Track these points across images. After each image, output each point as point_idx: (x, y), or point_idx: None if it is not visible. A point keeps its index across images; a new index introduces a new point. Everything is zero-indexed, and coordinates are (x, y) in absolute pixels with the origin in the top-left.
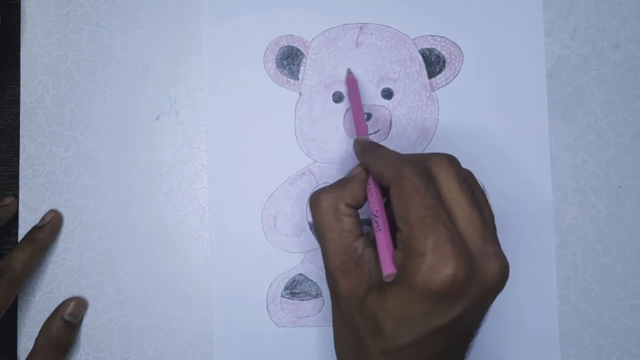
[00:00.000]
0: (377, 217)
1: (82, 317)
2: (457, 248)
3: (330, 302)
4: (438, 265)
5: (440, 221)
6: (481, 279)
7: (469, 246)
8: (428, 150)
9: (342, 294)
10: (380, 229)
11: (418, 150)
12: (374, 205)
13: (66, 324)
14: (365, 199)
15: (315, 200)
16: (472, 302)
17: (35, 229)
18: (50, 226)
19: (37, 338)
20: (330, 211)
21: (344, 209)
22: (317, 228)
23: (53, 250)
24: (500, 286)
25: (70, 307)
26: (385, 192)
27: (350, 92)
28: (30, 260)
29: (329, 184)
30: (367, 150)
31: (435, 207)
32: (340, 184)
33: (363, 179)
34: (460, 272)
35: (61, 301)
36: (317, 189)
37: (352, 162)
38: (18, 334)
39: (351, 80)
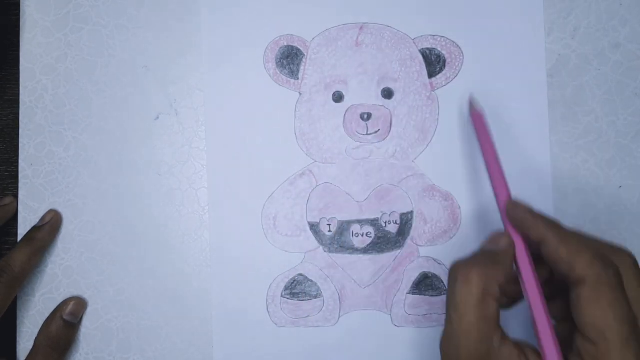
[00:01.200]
0: (538, 305)
1: (82, 316)
2: None
3: (329, 303)
4: None
5: (638, 340)
6: None
7: None
8: (427, 151)
9: None
10: (544, 329)
11: (418, 150)
12: (533, 289)
13: (66, 323)
14: (513, 273)
15: (463, 275)
16: None
17: (34, 229)
18: (50, 226)
19: (36, 338)
20: (481, 290)
21: (495, 291)
22: (455, 305)
23: (53, 250)
24: None
25: (70, 307)
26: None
27: (480, 134)
28: (29, 260)
29: (473, 255)
30: (538, 224)
31: (634, 321)
32: (491, 259)
33: (513, 254)
34: None
35: (60, 301)
36: (460, 260)
37: (352, 162)
38: (18, 333)
39: (477, 117)
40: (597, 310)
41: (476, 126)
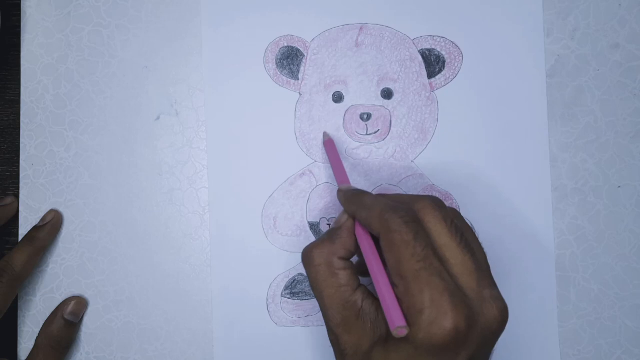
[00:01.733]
0: (373, 266)
1: (83, 316)
2: (455, 299)
3: None
4: (438, 320)
5: (434, 272)
6: (482, 325)
7: (466, 293)
8: (427, 151)
9: (346, 351)
10: (379, 280)
11: (417, 150)
12: (368, 255)
13: (66, 323)
14: (357, 246)
15: (307, 258)
16: (475, 349)
17: (35, 229)
18: (51, 226)
19: (37, 337)
20: (325, 267)
21: (338, 263)
22: (313, 285)
23: (54, 250)
24: (501, 330)
25: (71, 307)
26: (375, 239)
27: (328, 149)
28: (30, 259)
29: (317, 239)
30: (351, 199)
31: (428, 258)
32: (330, 237)
33: (351, 226)
34: (461, 323)
35: (61, 301)
36: (308, 245)
37: (352, 162)
38: (19, 333)
39: (329, 143)
40: (390, 255)
41: (327, 147)
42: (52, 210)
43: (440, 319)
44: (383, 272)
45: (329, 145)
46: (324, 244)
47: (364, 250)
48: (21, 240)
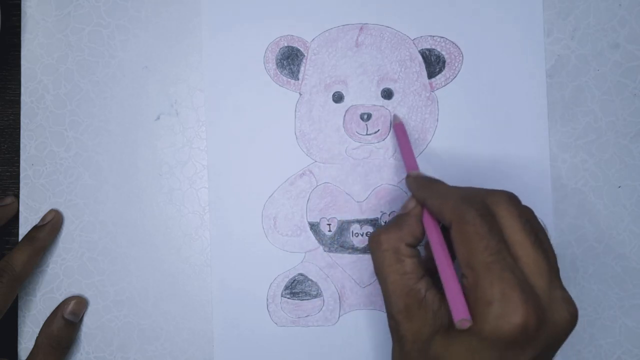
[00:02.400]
0: (440, 255)
1: (83, 315)
2: (526, 295)
3: (329, 303)
4: (507, 314)
5: (506, 267)
6: (550, 325)
7: (537, 292)
8: (427, 151)
9: (406, 337)
10: (446, 270)
11: (417, 150)
12: (436, 243)
13: (67, 322)
14: (424, 233)
15: (375, 242)
16: (541, 349)
17: (35, 229)
18: (51, 226)
19: (37, 337)
20: (392, 253)
21: (405, 250)
22: (378, 270)
23: (54, 250)
24: (568, 333)
25: (71, 306)
26: (444, 228)
27: (398, 133)
28: (30, 259)
29: (385, 225)
30: (423, 186)
31: (501, 252)
32: (398, 223)
33: (419, 213)
34: (531, 320)
35: (61, 301)
36: (376, 230)
37: (352, 162)
38: (19, 333)
39: (399, 126)
40: (461, 246)
41: (397, 129)
42: (52, 210)
43: (510, 313)
44: (450, 262)
45: (399, 129)
46: (391, 230)
47: (431, 238)
48: (21, 240)
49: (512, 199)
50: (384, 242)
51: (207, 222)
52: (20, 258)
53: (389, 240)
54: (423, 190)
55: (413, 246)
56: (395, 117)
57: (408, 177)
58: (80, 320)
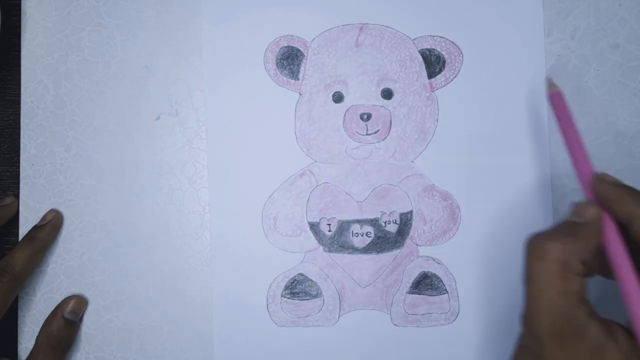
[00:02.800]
0: (628, 283)
1: (83, 315)
2: None
3: (329, 303)
4: None
5: None
6: None
7: None
8: (427, 151)
9: None
10: (632, 301)
11: (417, 150)
12: (623, 267)
13: (66, 322)
14: (600, 249)
15: (538, 250)
16: None
17: (35, 229)
18: (51, 226)
19: (37, 337)
20: (559, 266)
21: (577, 267)
22: (531, 281)
23: (54, 250)
24: None
25: (71, 305)
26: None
27: (558, 111)
28: (30, 259)
29: (552, 228)
30: (615, 193)
31: None
32: (572, 231)
33: (600, 227)
34: None
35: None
36: (537, 233)
37: (352, 162)
38: (19, 333)
39: (557, 96)
40: None
41: (555, 105)
42: (52, 210)
43: None
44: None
45: (557, 100)
46: (563, 238)
47: (615, 259)
48: (21, 240)
49: None
50: (553, 252)
51: (207, 222)
52: (20, 258)
53: (558, 251)
54: (628, 204)
55: (586, 263)
56: (550, 83)
57: (597, 179)
58: (80, 319)
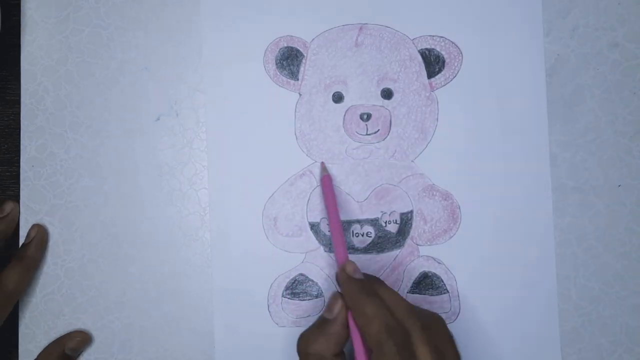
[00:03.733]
0: None
1: (83, 352)
2: None
3: None
4: None
5: None
6: None
7: None
8: (427, 150)
9: None
10: None
11: (417, 150)
12: (359, 353)
13: (65, 356)
14: (349, 335)
15: (302, 345)
16: None
17: (23, 247)
18: (37, 241)
19: None
20: (317, 358)
21: (329, 357)
22: None
23: (54, 251)
24: None
25: (74, 343)
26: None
27: (326, 193)
28: (22, 277)
29: (312, 326)
30: (353, 294)
31: None
32: (323, 329)
33: (345, 319)
34: None
35: (62, 302)
36: (303, 334)
37: (352, 162)
38: (19, 334)
39: (326, 179)
40: None
41: (324, 187)
42: (34, 225)
43: None
44: None
45: (326, 183)
46: (318, 336)
47: (355, 346)
48: (11, 260)
49: (425, 326)
50: (311, 347)
51: (208, 223)
52: (11, 277)
53: (315, 346)
54: (352, 299)
55: (338, 353)
56: (322, 167)
57: (341, 272)
58: (79, 355)
